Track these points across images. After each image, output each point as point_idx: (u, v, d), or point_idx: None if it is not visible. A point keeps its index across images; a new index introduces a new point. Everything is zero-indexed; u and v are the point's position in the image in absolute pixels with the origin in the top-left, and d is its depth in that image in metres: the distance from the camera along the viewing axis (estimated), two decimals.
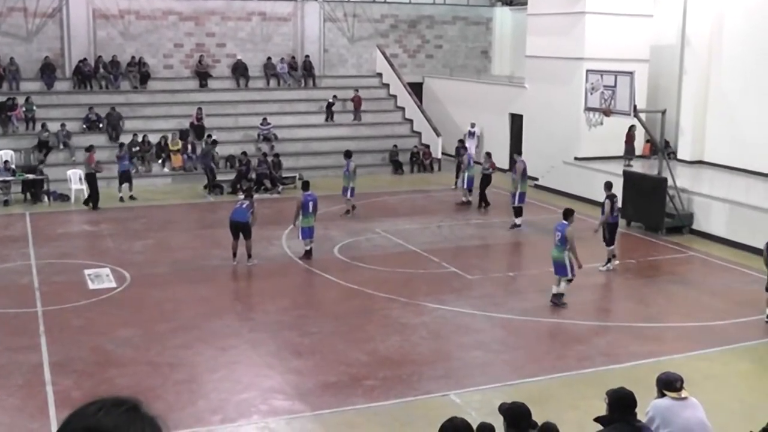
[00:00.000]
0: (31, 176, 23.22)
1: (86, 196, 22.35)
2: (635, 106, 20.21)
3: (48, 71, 28.02)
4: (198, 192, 24.70)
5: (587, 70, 21.98)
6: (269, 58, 31.22)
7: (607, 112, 20.65)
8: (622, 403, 5.94)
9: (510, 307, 14.66)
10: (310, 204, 17.47)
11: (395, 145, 29.41)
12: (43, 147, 25.24)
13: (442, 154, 29.76)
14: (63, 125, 25.87)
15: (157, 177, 25.99)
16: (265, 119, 28.37)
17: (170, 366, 11.69)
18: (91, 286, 15.43)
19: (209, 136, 26.49)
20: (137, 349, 12.33)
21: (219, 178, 24.93)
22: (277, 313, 14.26)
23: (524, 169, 21.10)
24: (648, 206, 20.35)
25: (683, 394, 6.69)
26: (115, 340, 12.68)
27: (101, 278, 15.88)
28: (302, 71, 31.59)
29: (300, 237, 17.61)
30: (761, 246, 18.26)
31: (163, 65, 30.22)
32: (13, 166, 23.55)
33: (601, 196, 18.02)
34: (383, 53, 32.76)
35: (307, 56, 31.82)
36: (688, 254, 18.80)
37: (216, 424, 10.01)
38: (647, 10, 25.62)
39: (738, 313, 14.38)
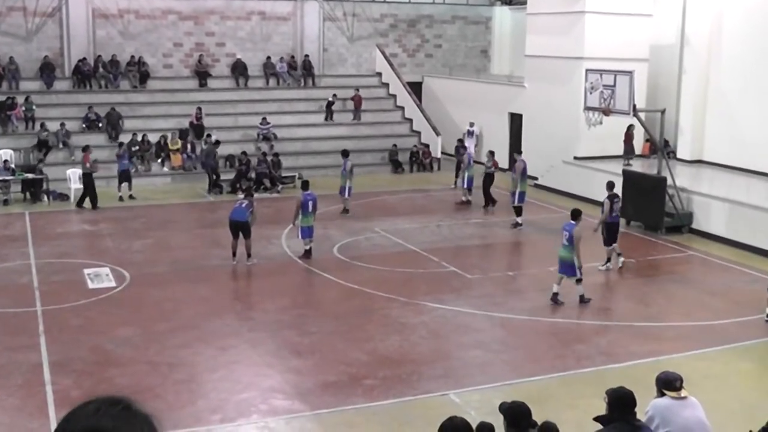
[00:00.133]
0: (30, 176, 23.21)
1: (80, 197, 22.28)
2: (635, 106, 20.21)
3: (47, 70, 28.01)
4: (197, 191, 24.70)
5: (587, 70, 21.97)
6: (269, 58, 31.21)
7: (607, 112, 20.64)
8: (621, 402, 5.93)
9: (509, 306, 14.67)
10: (310, 203, 17.47)
11: (395, 145, 29.41)
12: (43, 146, 25.23)
13: (442, 153, 29.77)
14: (62, 124, 25.86)
15: (156, 176, 25.99)
16: (264, 119, 28.37)
17: (170, 365, 11.69)
18: (91, 285, 15.42)
19: (209, 135, 26.48)
20: (137, 349, 12.33)
21: (220, 177, 24.91)
22: (277, 312, 14.26)
23: (524, 169, 21.09)
24: (647, 205, 20.35)
25: (683, 393, 6.68)
26: (115, 339, 12.68)
27: (101, 278, 15.88)
28: (302, 71, 31.59)
29: (299, 236, 17.61)
30: (761, 245, 18.37)
31: (163, 64, 30.21)
32: (13, 166, 23.54)
33: (600, 195, 18.02)
34: (383, 52, 32.76)
35: (307, 56, 31.82)
36: (687, 254, 18.80)
37: (215, 424, 10.00)
38: (647, 9, 25.63)
39: (737, 313, 14.38)
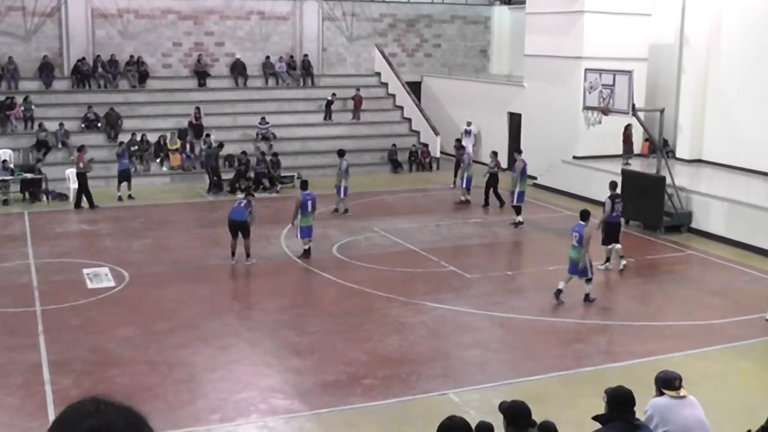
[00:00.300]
0: (29, 175, 23.19)
1: (76, 197, 22.23)
2: (634, 105, 20.21)
3: (46, 70, 27.99)
4: (197, 191, 24.69)
5: (586, 69, 21.98)
6: (268, 57, 31.20)
7: (606, 111, 20.64)
8: (620, 401, 5.93)
9: (509, 305, 14.67)
10: (309, 203, 17.46)
11: (394, 144, 29.41)
12: (42, 146, 25.22)
13: (441, 152, 29.77)
14: (61, 124, 25.85)
15: (155, 176, 25.98)
16: (263, 118, 28.36)
17: (169, 365, 11.69)
18: (90, 285, 15.42)
19: (208, 135, 26.46)
20: (136, 349, 12.33)
21: (221, 178, 24.88)
22: (276, 312, 14.26)
23: (524, 168, 21.10)
24: (647, 205, 20.35)
25: (682, 392, 6.68)
26: (114, 339, 12.68)
27: (100, 277, 15.88)
28: (301, 70, 31.58)
29: (299, 236, 17.60)
30: (760, 245, 18.38)
31: (162, 64, 30.20)
32: (12, 166, 23.51)
33: (599, 194, 18.02)
34: (382, 52, 32.75)
35: (306, 55, 31.81)
36: (686, 253, 18.80)
37: (215, 423, 10.00)
38: (646, 9, 25.63)
39: (737, 312, 14.39)
